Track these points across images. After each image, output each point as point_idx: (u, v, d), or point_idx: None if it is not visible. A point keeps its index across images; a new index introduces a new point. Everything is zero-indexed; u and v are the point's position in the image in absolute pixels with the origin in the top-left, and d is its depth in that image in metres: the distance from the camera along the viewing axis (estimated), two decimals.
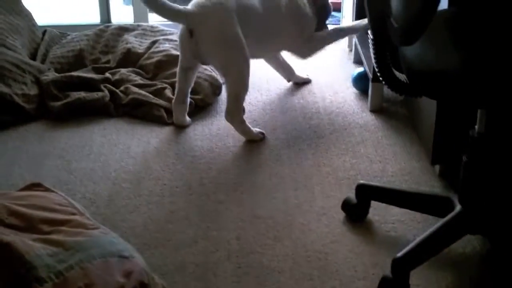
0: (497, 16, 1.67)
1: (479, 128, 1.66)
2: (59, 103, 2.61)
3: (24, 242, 1.51)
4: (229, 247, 1.87)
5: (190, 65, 2.44)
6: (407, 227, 1.94)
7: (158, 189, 2.15)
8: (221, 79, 2.70)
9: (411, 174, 2.20)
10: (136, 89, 2.66)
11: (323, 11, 2.67)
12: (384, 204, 1.99)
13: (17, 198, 1.70)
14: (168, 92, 2.65)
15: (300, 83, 2.85)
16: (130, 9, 3.49)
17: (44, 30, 3.15)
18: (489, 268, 1.79)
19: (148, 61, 2.85)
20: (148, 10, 3.40)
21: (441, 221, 1.73)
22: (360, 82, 2.74)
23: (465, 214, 1.74)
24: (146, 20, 3.38)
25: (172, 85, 2.63)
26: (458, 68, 1.51)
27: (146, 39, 3.02)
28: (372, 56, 1.67)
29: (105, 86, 2.70)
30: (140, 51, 2.92)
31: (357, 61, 3.00)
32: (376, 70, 1.67)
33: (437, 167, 2.19)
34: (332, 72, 2.96)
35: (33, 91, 2.67)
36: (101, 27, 3.13)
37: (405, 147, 2.35)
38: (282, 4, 2.52)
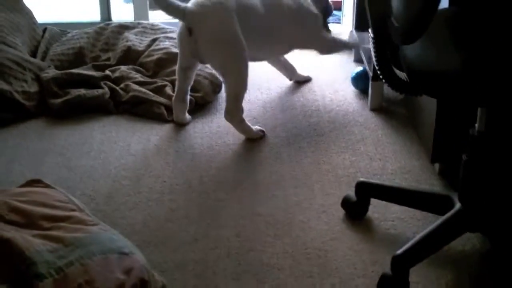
0: (498, 14, 1.68)
1: (479, 126, 1.66)
2: (59, 100, 2.61)
3: (24, 238, 1.51)
4: (229, 245, 1.88)
5: (189, 63, 2.44)
6: (406, 224, 1.94)
7: (158, 187, 2.15)
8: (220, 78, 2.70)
9: (411, 172, 2.20)
10: (136, 87, 2.67)
11: (325, 9, 2.67)
12: (383, 202, 1.99)
13: (17, 195, 1.70)
14: (168, 90, 2.65)
15: (301, 82, 2.85)
16: (130, 7, 3.49)
17: (45, 28, 3.15)
18: (489, 266, 1.80)
19: (148, 59, 2.85)
20: (148, 7, 3.41)
21: (441, 219, 1.73)
22: (359, 81, 2.74)
23: (464, 212, 1.74)
24: (147, 18, 3.38)
25: (172, 83, 2.63)
26: (459, 66, 1.51)
27: (146, 37, 3.02)
28: (373, 54, 1.67)
29: (105, 84, 2.70)
30: (140, 49, 2.92)
31: (358, 60, 3.00)
32: (377, 68, 1.67)
33: (436, 165, 2.19)
34: (333, 71, 2.96)
35: (33, 88, 2.67)
36: (101, 25, 3.13)
37: (405, 146, 2.36)
38: (285, 4, 2.52)
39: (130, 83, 2.70)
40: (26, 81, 2.67)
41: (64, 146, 2.40)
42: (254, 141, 2.42)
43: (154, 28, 3.09)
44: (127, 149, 2.38)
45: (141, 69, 2.83)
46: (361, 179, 1.99)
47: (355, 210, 1.98)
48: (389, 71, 1.66)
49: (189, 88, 2.50)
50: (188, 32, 2.33)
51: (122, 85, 2.70)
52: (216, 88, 2.72)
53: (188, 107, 2.54)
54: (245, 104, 2.44)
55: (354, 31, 2.95)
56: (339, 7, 3.39)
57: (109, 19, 3.42)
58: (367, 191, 1.96)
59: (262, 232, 1.93)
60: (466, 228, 1.77)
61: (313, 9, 2.60)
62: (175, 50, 2.76)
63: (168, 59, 2.79)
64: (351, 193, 1.98)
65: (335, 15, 3.46)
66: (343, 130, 2.48)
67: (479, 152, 1.69)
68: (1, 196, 1.68)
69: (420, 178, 2.16)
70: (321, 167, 2.24)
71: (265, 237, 1.91)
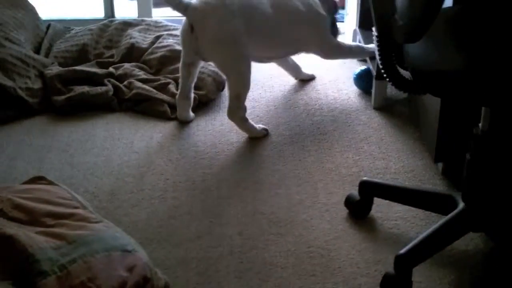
0: (502, 13, 1.67)
1: (483, 126, 1.66)
2: (62, 97, 2.62)
3: (27, 235, 1.51)
4: (231, 243, 1.88)
5: (192, 60, 2.43)
6: (409, 224, 1.94)
7: (161, 184, 2.15)
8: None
9: (414, 171, 2.20)
10: (139, 84, 2.67)
11: (332, 10, 2.65)
12: (387, 201, 1.99)
13: (21, 192, 1.71)
14: (171, 87, 2.65)
15: (305, 80, 2.85)
16: (134, 4, 3.49)
17: (48, 24, 3.15)
18: (492, 266, 1.79)
19: (152, 56, 2.85)
20: (151, 5, 3.40)
21: (444, 219, 1.73)
22: (361, 81, 2.74)
23: (468, 212, 1.74)
24: (150, 15, 3.38)
25: (176, 80, 2.63)
26: (463, 65, 1.51)
27: (150, 34, 3.02)
28: (377, 53, 1.67)
29: (108, 81, 2.70)
30: (144, 46, 2.92)
31: (361, 59, 2.99)
32: (380, 67, 1.67)
33: (440, 165, 2.18)
34: (336, 70, 2.96)
35: (37, 85, 2.67)
36: (105, 22, 3.13)
37: (408, 145, 2.35)
38: (294, 5, 2.50)
39: (133, 80, 2.70)
40: (29, 78, 2.67)
41: (67, 143, 2.41)
42: (257, 139, 2.41)
43: (157, 26, 3.09)
44: (130, 146, 2.38)
45: (144, 66, 2.83)
46: (364, 178, 1.99)
47: (358, 209, 1.98)
48: (393, 70, 1.65)
49: (192, 85, 2.50)
50: (191, 29, 2.33)
51: (125, 83, 2.70)
52: (220, 86, 2.72)
53: (192, 105, 2.53)
54: (248, 103, 2.43)
55: (357, 30, 2.94)
56: (342, 6, 3.38)
57: (113, 16, 3.42)
58: (370, 190, 1.96)
59: (264, 230, 1.93)
60: (469, 228, 1.77)
61: (321, 10, 2.58)
62: (179, 47, 2.76)
63: (172, 56, 2.79)
64: (354, 192, 1.98)
65: (339, 13, 3.45)
66: (346, 129, 2.47)
67: (482, 152, 1.68)
68: (5, 193, 1.68)
69: (423, 178, 2.16)
70: (324, 166, 2.24)
71: (267, 235, 1.91)
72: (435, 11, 1.38)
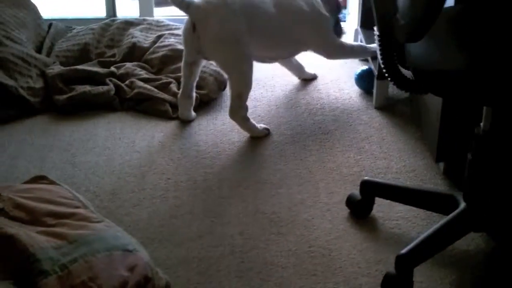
0: (504, 13, 1.67)
1: (484, 125, 1.66)
2: (64, 96, 2.62)
3: (28, 234, 1.51)
4: (232, 242, 1.88)
5: (194, 59, 2.43)
6: (411, 224, 1.94)
7: (162, 184, 2.15)
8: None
9: (416, 171, 2.19)
10: (141, 83, 2.67)
11: (334, 10, 2.65)
12: (388, 201, 1.99)
13: (22, 191, 1.71)
14: (173, 87, 2.65)
15: (307, 79, 2.85)
16: (135, 3, 3.49)
17: (50, 23, 3.15)
18: (493, 266, 1.79)
19: (154, 56, 2.85)
20: (153, 4, 3.40)
21: (445, 219, 1.73)
22: (362, 81, 2.73)
23: (469, 211, 1.74)
24: (152, 15, 3.38)
25: (178, 80, 2.63)
26: (464, 65, 1.51)
27: (151, 34, 3.02)
28: (378, 53, 1.66)
29: (110, 80, 2.70)
30: (145, 45, 2.92)
31: (363, 59, 2.99)
32: (382, 67, 1.67)
33: (441, 164, 2.18)
34: (337, 69, 2.96)
35: (38, 84, 2.67)
36: (106, 21, 3.13)
37: (409, 144, 2.35)
38: (297, 5, 2.50)
39: (135, 80, 2.70)
40: (31, 77, 2.67)
41: (69, 142, 2.41)
42: (258, 139, 2.41)
43: (159, 25, 3.09)
44: (131, 145, 2.38)
45: (146, 65, 2.83)
46: (366, 177, 1.99)
47: (359, 208, 1.98)
48: (394, 69, 1.65)
49: (194, 84, 2.50)
50: (193, 28, 2.33)
51: (127, 82, 2.70)
52: (221, 85, 2.72)
53: (193, 104, 2.53)
54: (249, 102, 2.43)
55: (359, 29, 2.94)
56: (344, 5, 3.38)
57: (114, 15, 3.42)
58: (371, 190, 1.96)
59: (265, 230, 1.93)
60: (471, 227, 1.77)
61: (324, 11, 2.58)
62: (180, 47, 2.76)
63: (173, 56, 2.79)
64: (356, 191, 1.98)
65: (342, 13, 3.45)
66: (348, 128, 2.47)
67: (484, 152, 1.68)
68: (6, 192, 1.68)
69: (424, 177, 2.16)
70: (326, 165, 2.24)
71: (268, 235, 1.91)
72: (436, 10, 1.38)
